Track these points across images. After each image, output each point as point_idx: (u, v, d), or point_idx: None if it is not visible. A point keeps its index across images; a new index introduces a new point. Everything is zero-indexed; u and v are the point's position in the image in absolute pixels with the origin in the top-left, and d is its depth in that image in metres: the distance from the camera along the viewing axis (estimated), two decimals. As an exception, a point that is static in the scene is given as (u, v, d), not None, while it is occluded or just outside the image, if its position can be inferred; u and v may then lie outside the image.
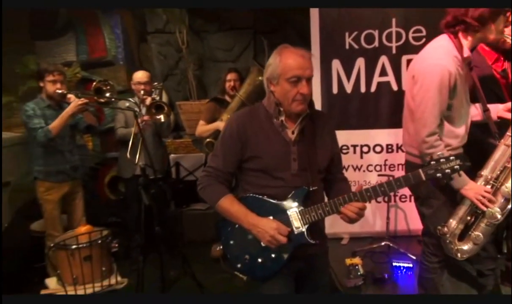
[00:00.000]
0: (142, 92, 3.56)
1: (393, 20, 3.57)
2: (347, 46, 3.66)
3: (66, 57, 4.69)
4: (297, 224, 1.70)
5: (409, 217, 3.86)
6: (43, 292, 2.59)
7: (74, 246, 2.51)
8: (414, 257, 3.32)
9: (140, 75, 3.63)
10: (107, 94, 3.23)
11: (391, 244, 3.57)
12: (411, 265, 3.23)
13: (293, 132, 1.76)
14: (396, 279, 3.17)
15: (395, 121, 3.63)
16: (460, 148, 2.18)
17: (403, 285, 3.09)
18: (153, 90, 3.69)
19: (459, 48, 2.09)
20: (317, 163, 1.76)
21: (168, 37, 5.27)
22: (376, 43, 3.61)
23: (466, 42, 2.09)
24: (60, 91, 3.07)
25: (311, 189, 1.72)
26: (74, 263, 2.51)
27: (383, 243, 3.60)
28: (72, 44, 4.69)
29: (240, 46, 5.20)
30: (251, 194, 1.76)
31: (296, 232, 1.70)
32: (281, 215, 1.70)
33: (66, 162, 3.22)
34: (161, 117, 3.36)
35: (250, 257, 1.74)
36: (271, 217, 1.70)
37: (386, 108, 3.70)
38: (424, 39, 3.46)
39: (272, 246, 1.68)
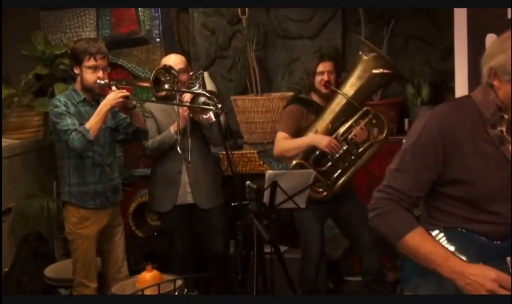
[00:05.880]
0: None
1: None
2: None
3: (81, 32, 3.75)
4: None
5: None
6: None
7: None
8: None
9: (172, 60, 2.91)
10: (166, 86, 2.69)
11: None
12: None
13: None
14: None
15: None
16: None
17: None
18: (191, 81, 3.00)
19: None
20: None
21: (218, 4, 4.26)
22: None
23: None
24: (103, 82, 2.57)
25: None
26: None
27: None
28: (91, 15, 3.75)
29: (322, 16, 4.00)
30: (455, 228, 1.42)
31: None
32: (496, 261, 1.37)
33: (107, 180, 2.70)
34: (210, 116, 2.71)
35: None
36: (480, 263, 1.36)
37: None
38: None
39: None
